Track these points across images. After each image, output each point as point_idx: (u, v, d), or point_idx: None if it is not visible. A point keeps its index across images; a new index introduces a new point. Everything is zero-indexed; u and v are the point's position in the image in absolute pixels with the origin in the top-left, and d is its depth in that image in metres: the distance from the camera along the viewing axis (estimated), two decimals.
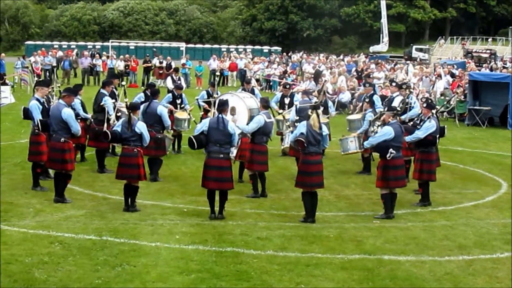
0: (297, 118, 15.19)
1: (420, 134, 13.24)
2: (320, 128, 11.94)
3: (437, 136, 13.62)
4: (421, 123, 13.57)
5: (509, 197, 14.37)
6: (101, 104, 15.80)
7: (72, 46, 66.87)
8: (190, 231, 11.18)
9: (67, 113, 12.85)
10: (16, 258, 9.48)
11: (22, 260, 9.41)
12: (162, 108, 15.51)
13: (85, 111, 15.93)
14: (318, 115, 11.97)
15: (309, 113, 12.19)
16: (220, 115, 12.05)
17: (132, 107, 12.65)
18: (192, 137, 12.01)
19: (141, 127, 12.37)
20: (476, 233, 11.60)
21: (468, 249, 10.68)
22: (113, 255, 9.80)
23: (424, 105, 13.96)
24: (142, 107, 15.43)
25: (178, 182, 14.97)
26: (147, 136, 12.45)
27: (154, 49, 58.76)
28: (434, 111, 14.00)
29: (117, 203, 12.93)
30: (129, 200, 12.41)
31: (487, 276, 9.45)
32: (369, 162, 16.66)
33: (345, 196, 14.08)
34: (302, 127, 11.99)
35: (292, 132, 14.12)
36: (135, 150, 12.29)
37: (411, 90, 18.52)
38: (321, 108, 14.50)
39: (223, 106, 12.22)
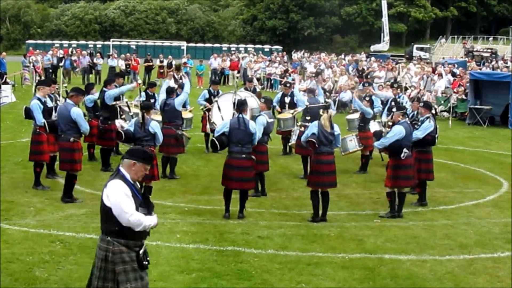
0: (308, 118, 15.23)
1: (419, 134, 13.17)
2: (332, 127, 11.94)
3: (435, 135, 13.62)
4: (419, 123, 13.51)
5: (509, 196, 14.36)
6: (111, 103, 15.93)
7: (73, 45, 66.91)
8: (191, 230, 11.18)
9: (76, 112, 12.83)
10: (17, 257, 9.49)
11: (23, 259, 9.42)
12: (179, 103, 15.57)
13: (97, 109, 16.05)
14: (329, 115, 11.98)
15: (320, 113, 12.20)
16: (240, 115, 12.03)
17: (146, 107, 12.62)
18: (214, 139, 12.02)
19: (154, 126, 12.35)
20: (477, 232, 11.60)
21: (469, 248, 10.68)
22: None
23: (421, 104, 13.93)
24: (160, 104, 15.56)
25: (179, 181, 14.97)
26: (160, 135, 12.44)
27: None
28: (433, 111, 13.96)
29: None
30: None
31: (488, 275, 9.45)
32: (368, 160, 16.72)
33: (346, 195, 14.07)
34: (313, 128, 11.98)
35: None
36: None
37: (413, 88, 18.53)
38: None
39: (242, 106, 12.19)
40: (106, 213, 6.33)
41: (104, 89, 16.29)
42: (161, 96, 15.82)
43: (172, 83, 23.43)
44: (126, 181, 6.37)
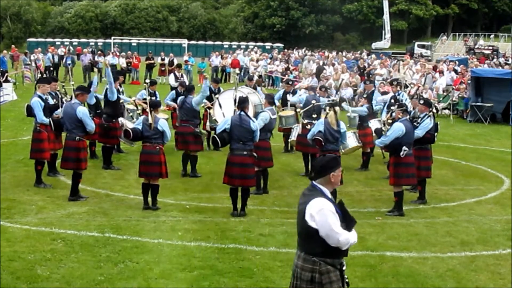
0: (315, 115, 15.25)
1: (419, 132, 13.08)
2: (338, 125, 11.94)
3: (435, 133, 13.60)
4: (419, 121, 13.47)
5: (511, 194, 14.35)
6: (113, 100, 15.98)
7: (74, 43, 66.98)
8: (193, 228, 11.19)
9: (82, 111, 12.84)
10: (19, 255, 9.50)
11: (24, 257, 9.43)
12: (197, 102, 15.54)
13: (99, 108, 16.07)
14: (335, 113, 11.97)
15: (327, 110, 12.22)
16: (242, 112, 12.03)
17: (154, 105, 12.60)
18: (216, 136, 12.02)
19: (163, 124, 12.33)
20: (478, 230, 11.60)
21: (470, 245, 10.67)
22: (115, 252, 9.81)
23: (421, 102, 13.91)
24: (178, 102, 15.70)
25: (180, 179, 14.97)
26: (168, 133, 12.44)
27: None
28: (432, 108, 13.94)
29: (120, 200, 12.96)
30: (149, 198, 12.40)
31: (490, 273, 9.45)
32: (369, 158, 16.72)
33: (347, 192, 14.06)
34: (320, 125, 11.99)
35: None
36: (157, 147, 12.27)
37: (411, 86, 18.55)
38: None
39: (244, 103, 12.18)
40: (311, 234, 5.96)
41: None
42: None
43: (172, 81, 23.47)
44: (328, 198, 5.98)
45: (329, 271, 6.00)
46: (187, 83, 20.70)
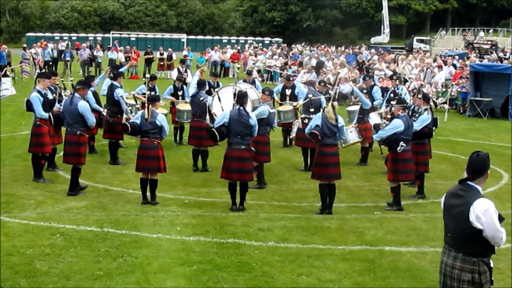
0: (312, 110, 15.23)
1: (416, 126, 13.06)
2: (336, 120, 11.93)
3: (433, 128, 13.59)
4: (417, 115, 13.48)
5: (510, 188, 14.35)
6: (114, 97, 15.94)
7: (73, 38, 66.90)
8: (192, 223, 11.19)
9: (83, 106, 12.82)
10: (18, 250, 9.50)
11: (23, 252, 9.43)
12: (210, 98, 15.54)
13: (98, 102, 16.05)
14: (333, 107, 11.96)
15: (324, 105, 12.20)
16: (240, 107, 12.01)
17: (152, 99, 12.58)
18: (214, 130, 12.00)
19: (161, 119, 12.30)
20: None
21: None
22: (114, 246, 9.82)
23: (420, 96, 13.90)
24: (190, 98, 15.68)
25: (179, 174, 14.97)
26: (167, 128, 12.42)
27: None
28: (432, 103, 13.94)
29: (118, 195, 12.95)
30: (148, 193, 12.38)
31: None
32: (368, 152, 16.72)
33: (346, 187, 14.06)
34: (317, 119, 11.97)
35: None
36: (155, 142, 12.25)
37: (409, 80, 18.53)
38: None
39: (243, 98, 12.17)
40: (474, 235, 6.05)
41: (114, 83, 16.22)
42: (191, 90, 15.78)
43: (175, 76, 23.46)
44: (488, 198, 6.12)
45: (486, 271, 6.15)
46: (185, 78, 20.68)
